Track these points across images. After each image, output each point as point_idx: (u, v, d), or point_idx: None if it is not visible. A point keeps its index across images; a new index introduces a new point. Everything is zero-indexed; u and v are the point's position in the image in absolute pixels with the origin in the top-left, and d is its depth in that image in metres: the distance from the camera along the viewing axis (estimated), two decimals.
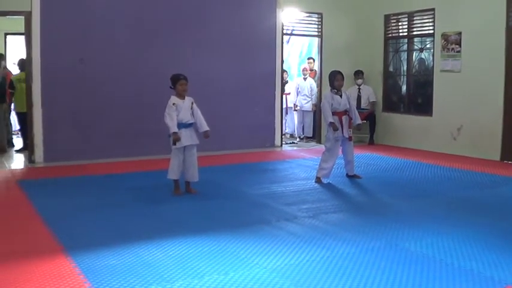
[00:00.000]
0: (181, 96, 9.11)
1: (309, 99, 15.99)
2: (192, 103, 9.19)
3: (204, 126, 9.13)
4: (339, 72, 10.38)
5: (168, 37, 13.05)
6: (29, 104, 11.93)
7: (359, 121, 10.48)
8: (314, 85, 15.99)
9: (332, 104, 10.18)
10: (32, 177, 10.65)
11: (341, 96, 10.27)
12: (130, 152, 12.51)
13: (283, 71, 15.42)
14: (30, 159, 12.03)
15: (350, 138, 10.32)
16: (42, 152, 11.98)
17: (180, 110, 8.98)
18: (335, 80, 10.27)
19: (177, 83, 9.12)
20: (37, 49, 11.76)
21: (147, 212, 8.00)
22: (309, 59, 16.95)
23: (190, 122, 9.08)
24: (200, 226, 7.20)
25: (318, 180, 10.23)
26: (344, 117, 10.24)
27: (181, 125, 8.95)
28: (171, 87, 9.18)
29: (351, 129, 10.34)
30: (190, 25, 13.32)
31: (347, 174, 10.59)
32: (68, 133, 12.09)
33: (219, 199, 8.84)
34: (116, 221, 7.52)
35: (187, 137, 9.01)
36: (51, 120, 11.95)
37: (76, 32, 12.11)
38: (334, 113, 10.20)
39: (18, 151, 13.94)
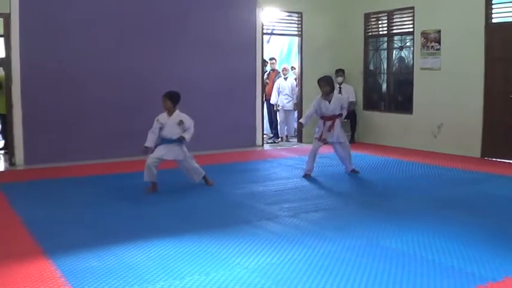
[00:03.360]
0: (170, 112, 9.41)
1: (291, 98, 15.98)
2: (181, 121, 9.38)
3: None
4: (323, 79, 10.68)
5: (148, 37, 13.03)
6: (9, 106, 11.86)
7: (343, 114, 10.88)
8: (294, 84, 15.99)
9: (320, 109, 10.59)
10: (12, 180, 10.58)
11: (330, 101, 10.47)
12: (112, 153, 12.48)
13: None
14: (10, 162, 11.96)
15: (323, 140, 10.60)
16: (22, 154, 11.91)
17: (164, 126, 9.30)
18: (320, 86, 10.61)
19: (178, 102, 9.55)
20: (16, 51, 11.68)
21: (128, 213, 7.98)
22: (271, 59, 16.98)
23: (172, 138, 9.32)
24: (181, 227, 7.19)
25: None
26: (328, 122, 10.47)
27: (164, 140, 9.32)
28: (175, 104, 9.55)
29: (332, 132, 10.54)
30: (170, 25, 13.31)
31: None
32: (48, 135, 12.03)
33: (200, 199, 8.84)
34: (96, 222, 7.50)
35: (167, 152, 9.31)
36: (32, 122, 11.88)
37: (56, 34, 12.04)
38: (321, 117, 10.63)
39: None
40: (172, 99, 9.36)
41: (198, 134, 13.37)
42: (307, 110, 10.84)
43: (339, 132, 10.62)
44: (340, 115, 10.67)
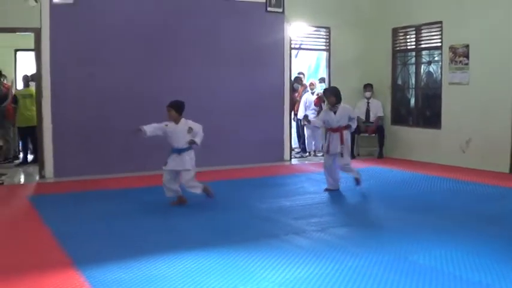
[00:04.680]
0: (176, 121, 9.37)
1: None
2: (190, 128, 9.32)
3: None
4: (328, 89, 10.85)
5: (177, 52, 13.11)
6: (39, 120, 12.02)
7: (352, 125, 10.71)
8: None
9: (327, 120, 10.50)
10: (42, 192, 10.69)
11: (335, 112, 10.37)
12: (140, 166, 12.53)
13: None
14: (40, 175, 12.09)
15: (341, 154, 10.44)
16: (52, 167, 12.04)
17: (172, 134, 9.28)
18: (325, 97, 10.72)
19: (183, 111, 9.48)
20: (47, 65, 11.85)
21: (157, 226, 8.03)
22: (299, 74, 16.99)
23: (182, 147, 9.27)
24: (209, 240, 7.22)
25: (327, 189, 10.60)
26: (336, 134, 10.37)
27: (173, 150, 9.31)
28: (179, 113, 9.46)
29: (343, 145, 10.38)
30: (199, 40, 13.38)
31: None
32: (77, 148, 12.15)
33: (228, 213, 8.84)
34: (125, 235, 7.56)
35: (177, 163, 9.26)
36: (61, 136, 12.01)
37: (85, 48, 12.19)
38: (328, 129, 10.54)
39: (18, 165, 14.07)
40: (177, 108, 9.33)
41: (226, 148, 13.55)
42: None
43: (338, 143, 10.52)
44: (349, 126, 10.58)
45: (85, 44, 12.19)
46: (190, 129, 9.27)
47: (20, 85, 15.25)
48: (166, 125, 9.28)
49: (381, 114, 15.35)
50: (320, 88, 16.39)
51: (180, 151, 9.22)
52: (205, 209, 9.08)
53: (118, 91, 12.50)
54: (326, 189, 10.56)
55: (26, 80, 14.28)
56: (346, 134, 10.48)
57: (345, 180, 10.93)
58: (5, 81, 14.77)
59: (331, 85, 15.16)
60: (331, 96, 10.40)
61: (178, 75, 13.05)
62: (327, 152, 10.55)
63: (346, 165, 10.52)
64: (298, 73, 17.01)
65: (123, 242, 7.19)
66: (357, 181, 10.59)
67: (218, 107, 13.47)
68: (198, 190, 9.36)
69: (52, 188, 11.26)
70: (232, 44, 13.82)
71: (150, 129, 9.26)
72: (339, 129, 10.35)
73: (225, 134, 13.59)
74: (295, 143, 16.46)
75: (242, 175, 12.43)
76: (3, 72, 15.01)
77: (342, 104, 10.48)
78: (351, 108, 10.84)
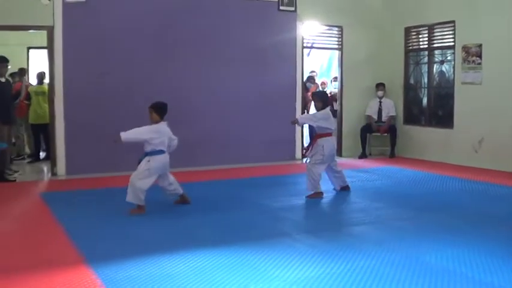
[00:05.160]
0: (156, 123, 9.00)
1: None
2: None
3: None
4: (315, 94, 10.73)
5: (188, 51, 13.12)
6: (51, 117, 12.07)
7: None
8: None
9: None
10: (54, 190, 10.73)
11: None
12: None
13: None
14: (52, 172, 12.13)
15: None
16: (64, 165, 12.08)
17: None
18: (313, 101, 10.59)
19: (165, 114, 9.08)
20: (59, 63, 11.89)
21: (169, 224, 8.04)
22: (311, 72, 16.98)
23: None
24: (220, 238, 7.23)
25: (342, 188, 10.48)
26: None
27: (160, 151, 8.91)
28: (161, 115, 9.07)
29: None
30: (210, 39, 13.39)
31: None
32: (90, 146, 12.17)
33: (239, 212, 8.84)
34: (137, 232, 7.59)
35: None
36: (73, 133, 12.05)
37: (98, 46, 12.22)
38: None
39: (29, 162, 14.16)
40: (159, 110, 9.00)
41: (238, 147, 13.55)
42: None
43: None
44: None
45: (97, 42, 12.22)
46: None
47: (33, 82, 15.28)
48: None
49: (393, 113, 15.31)
50: (334, 87, 16.41)
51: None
52: (216, 208, 9.09)
53: (130, 89, 12.52)
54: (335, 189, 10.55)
55: (40, 77, 14.31)
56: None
57: (357, 180, 10.92)
58: (20, 80, 14.82)
59: (343, 84, 15.19)
60: (317, 101, 10.25)
61: (190, 74, 13.07)
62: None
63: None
64: (311, 72, 17.00)
65: (134, 240, 7.20)
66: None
67: (230, 106, 13.47)
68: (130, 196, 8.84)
69: (64, 185, 11.32)
70: (244, 43, 13.82)
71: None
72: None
73: (236, 133, 13.60)
74: (307, 142, 16.44)
75: (253, 174, 12.44)
76: (24, 71, 15.18)
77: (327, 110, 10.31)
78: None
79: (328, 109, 10.22)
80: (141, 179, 8.67)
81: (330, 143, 10.06)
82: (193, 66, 13.15)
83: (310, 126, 16.11)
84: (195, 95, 12.96)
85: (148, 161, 8.74)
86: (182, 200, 9.26)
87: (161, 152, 8.81)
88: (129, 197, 8.68)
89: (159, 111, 8.95)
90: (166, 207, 9.13)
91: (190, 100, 12.87)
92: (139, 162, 8.84)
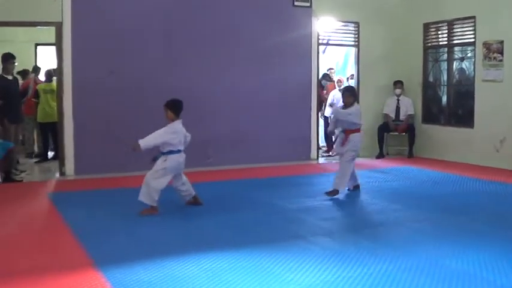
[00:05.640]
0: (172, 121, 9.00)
1: None
2: None
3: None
4: (348, 89, 10.58)
5: (200, 48, 13.10)
6: (60, 116, 12.08)
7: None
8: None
9: (338, 120, 10.40)
10: (63, 190, 10.75)
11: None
12: None
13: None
14: (60, 172, 12.14)
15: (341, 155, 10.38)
16: (73, 164, 12.08)
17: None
18: (344, 95, 10.41)
19: (180, 112, 9.08)
20: (68, 60, 11.90)
21: (180, 226, 8.04)
22: (329, 69, 16.95)
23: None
24: (233, 240, 7.21)
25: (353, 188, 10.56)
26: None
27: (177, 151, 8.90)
28: (176, 114, 9.07)
29: (344, 147, 10.24)
30: (222, 36, 13.36)
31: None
32: (99, 145, 12.17)
33: (253, 213, 8.82)
34: (148, 234, 7.58)
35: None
36: (83, 132, 12.06)
37: (107, 43, 12.22)
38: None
39: (37, 162, 14.17)
40: (174, 108, 9.02)
41: (252, 147, 13.49)
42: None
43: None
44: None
45: (106, 39, 12.21)
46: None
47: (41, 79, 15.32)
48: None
49: (411, 112, 15.24)
50: (351, 84, 16.34)
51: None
52: (229, 209, 9.07)
53: (140, 88, 12.50)
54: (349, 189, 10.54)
55: (49, 74, 14.30)
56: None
57: (375, 180, 10.87)
58: (30, 77, 14.88)
59: (360, 82, 15.15)
60: (349, 97, 10.26)
61: (201, 73, 13.03)
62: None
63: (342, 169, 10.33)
64: (329, 69, 16.96)
65: (144, 242, 7.20)
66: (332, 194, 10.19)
67: (243, 105, 13.45)
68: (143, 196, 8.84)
69: (73, 185, 11.32)
70: (258, 40, 13.77)
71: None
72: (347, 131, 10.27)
73: (250, 132, 13.58)
74: (322, 141, 16.40)
75: (268, 174, 12.40)
76: (33, 68, 15.25)
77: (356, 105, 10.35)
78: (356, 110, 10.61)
79: (358, 105, 10.40)
80: (157, 179, 8.68)
81: (360, 138, 10.31)
82: (205, 65, 13.12)
83: (325, 125, 16.09)
84: (207, 95, 12.93)
85: (165, 160, 8.74)
86: (194, 201, 9.22)
87: (178, 151, 8.81)
88: (142, 197, 8.69)
89: (174, 108, 8.96)
90: (178, 207, 9.11)
91: (202, 100, 12.80)
92: (154, 161, 8.81)
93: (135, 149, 8.68)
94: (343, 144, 10.21)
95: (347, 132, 10.20)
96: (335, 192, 10.01)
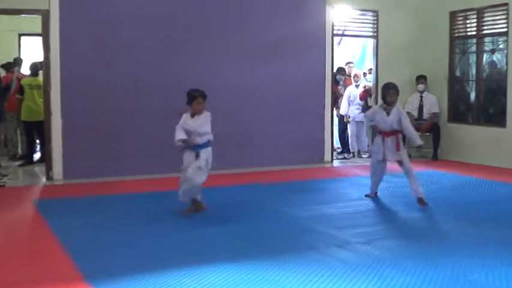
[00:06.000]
0: (196, 114, 9.08)
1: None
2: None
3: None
4: (393, 86, 10.25)
5: (204, 39, 13.08)
6: (47, 114, 12.07)
7: (418, 142, 10.38)
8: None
9: (374, 121, 10.28)
10: (50, 196, 10.76)
11: (388, 113, 10.08)
12: (162, 168, 12.45)
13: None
14: (47, 176, 12.15)
15: (400, 162, 10.20)
16: (61, 168, 12.09)
17: (192, 128, 9.00)
18: (387, 94, 10.18)
19: (194, 101, 9.08)
20: (56, 52, 11.90)
21: (181, 236, 8.03)
22: (348, 64, 16.96)
23: (199, 143, 8.99)
24: (239, 252, 7.20)
25: (370, 195, 10.51)
26: (390, 139, 10.10)
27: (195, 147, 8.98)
28: (187, 105, 9.10)
29: (400, 152, 10.17)
30: (227, 27, 13.37)
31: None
32: (90, 147, 12.17)
33: (261, 221, 8.81)
34: (143, 245, 7.56)
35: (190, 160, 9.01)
36: (72, 132, 12.06)
37: (100, 33, 12.22)
38: (380, 132, 10.24)
39: (21, 165, 14.14)
40: (205, 97, 9.19)
41: (259, 149, 13.48)
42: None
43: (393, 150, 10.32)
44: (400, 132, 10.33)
45: (99, 28, 12.22)
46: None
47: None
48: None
49: (436, 110, 15.22)
50: (368, 80, 16.32)
51: (198, 147, 8.97)
52: (234, 217, 9.07)
53: (137, 81, 12.52)
54: (369, 195, 10.55)
55: (35, 68, 14.21)
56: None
57: (397, 185, 10.87)
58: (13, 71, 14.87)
59: (379, 77, 15.12)
60: (396, 96, 10.17)
61: (204, 66, 13.02)
62: (382, 159, 10.29)
63: (412, 174, 10.23)
64: (347, 63, 16.96)
65: (140, 254, 7.19)
66: (421, 202, 10.12)
67: (251, 103, 13.45)
68: (193, 196, 9.07)
69: (61, 191, 11.32)
70: (267, 31, 13.76)
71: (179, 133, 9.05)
72: (394, 133, 10.19)
73: (258, 132, 13.57)
74: (337, 142, 16.40)
75: (277, 178, 12.41)
76: (15, 60, 15.19)
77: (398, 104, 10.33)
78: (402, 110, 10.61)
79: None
80: (202, 174, 8.88)
81: None
82: (208, 58, 13.13)
83: (340, 123, 16.08)
84: (210, 91, 12.82)
85: (207, 154, 8.95)
86: (197, 207, 9.23)
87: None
88: (185, 197, 8.92)
89: (205, 98, 9.14)
90: (175, 215, 9.09)
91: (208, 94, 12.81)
92: (197, 156, 8.89)
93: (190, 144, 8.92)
94: (398, 148, 10.10)
95: (393, 133, 10.15)
96: (423, 201, 9.94)
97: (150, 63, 12.62)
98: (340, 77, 16.37)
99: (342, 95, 16.13)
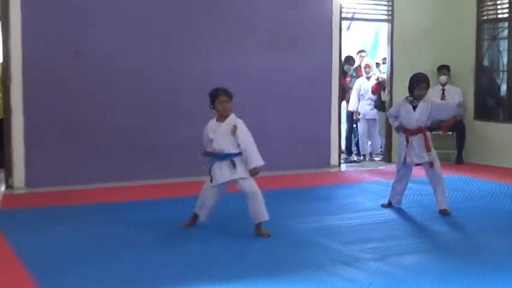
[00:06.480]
0: (222, 117, 8.97)
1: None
2: (235, 127, 8.94)
3: (252, 161, 8.87)
4: (425, 79, 10.15)
5: (190, 25, 13.07)
6: (6, 112, 12.04)
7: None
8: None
9: (399, 116, 10.19)
10: (9, 207, 10.74)
11: (415, 108, 10.04)
12: (139, 174, 12.51)
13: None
14: (6, 184, 12.11)
15: (431, 164, 10.14)
16: (23, 174, 12.05)
17: (214, 136, 8.89)
18: (416, 87, 10.04)
19: (216, 100, 8.96)
20: (17, 38, 11.85)
21: (161, 253, 7.99)
22: (360, 52, 16.93)
23: (227, 152, 8.86)
24: (235, 271, 7.18)
25: (386, 205, 10.45)
26: (416, 138, 10.06)
27: (215, 157, 8.88)
28: (211, 107, 9.02)
29: (430, 152, 10.13)
30: (218, 11, 13.35)
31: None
32: (57, 149, 12.13)
33: (258, 236, 8.77)
34: (119, 265, 7.51)
35: (221, 173, 8.86)
36: (36, 133, 12.02)
37: (69, 18, 12.16)
38: (403, 130, 10.16)
39: None
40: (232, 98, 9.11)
41: (259, 151, 13.43)
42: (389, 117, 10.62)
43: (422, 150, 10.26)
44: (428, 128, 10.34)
45: (69, 11, 12.19)
46: (234, 128, 8.97)
47: None
48: (206, 131, 9.04)
49: (460, 99, 15.18)
50: (382, 71, 16.29)
51: (223, 158, 8.86)
52: (229, 232, 9.04)
53: (113, 75, 12.49)
54: (385, 205, 10.52)
55: None
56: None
57: (412, 192, 10.88)
58: None
59: (394, 68, 15.11)
60: (426, 89, 10.15)
61: (188, 56, 13.00)
62: (404, 162, 10.26)
63: (440, 182, 10.26)
64: (359, 52, 16.94)
65: (116, 274, 7.14)
66: (444, 213, 10.14)
67: (246, 97, 13.37)
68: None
69: (22, 201, 11.30)
70: (264, 16, 13.77)
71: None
72: (421, 131, 10.15)
73: (254, 132, 13.49)
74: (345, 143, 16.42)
75: (276, 185, 12.36)
76: None
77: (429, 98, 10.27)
78: (436, 102, 10.52)
79: None
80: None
81: None
82: (195, 46, 13.12)
83: (349, 120, 16.08)
84: (198, 84, 12.88)
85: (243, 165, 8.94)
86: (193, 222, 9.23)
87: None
88: (265, 213, 8.82)
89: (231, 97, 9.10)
90: (160, 229, 9.08)
91: (192, 90, 12.78)
92: (234, 165, 8.84)
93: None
94: (428, 148, 10.05)
95: (419, 131, 10.10)
96: (446, 210, 10.01)
97: (128, 51, 12.59)
98: (349, 67, 16.34)
99: (350, 88, 16.11)
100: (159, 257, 7.84)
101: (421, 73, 10.22)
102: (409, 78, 10.29)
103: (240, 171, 8.78)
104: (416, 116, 10.00)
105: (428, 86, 10.18)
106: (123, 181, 12.34)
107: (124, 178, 12.40)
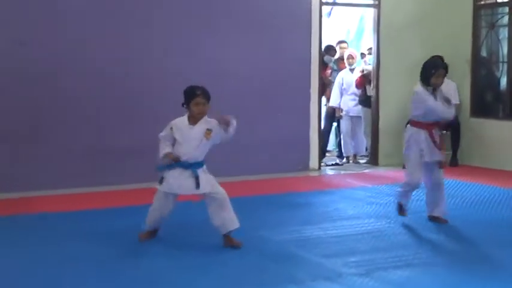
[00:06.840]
0: (194, 119, 8.96)
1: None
2: (209, 131, 8.96)
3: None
4: (445, 65, 9.90)
5: (154, 9, 13.07)
6: None
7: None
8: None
9: (422, 107, 9.95)
10: None
11: (436, 98, 9.85)
12: (95, 178, 12.49)
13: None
14: None
15: (441, 164, 10.14)
16: None
17: (182, 140, 8.85)
18: (435, 74, 9.80)
19: (192, 101, 8.96)
20: None
21: (114, 270, 7.94)
22: (340, 43, 16.94)
23: (193, 161, 8.84)
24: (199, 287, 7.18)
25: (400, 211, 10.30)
26: (434, 131, 10.01)
27: (178, 164, 8.80)
28: (183, 105, 9.00)
29: (443, 150, 10.11)
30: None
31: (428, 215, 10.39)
32: (4, 151, 12.06)
33: (230, 250, 8.74)
34: (69, 284, 7.47)
35: (183, 184, 8.82)
36: None
37: (13, 2, 12.14)
38: (421, 123, 10.03)
39: None
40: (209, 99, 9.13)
41: (225, 154, 13.45)
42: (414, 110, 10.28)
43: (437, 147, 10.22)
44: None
45: None
46: (209, 132, 8.98)
47: None
48: (172, 129, 8.94)
49: (455, 101, 15.26)
50: (366, 63, 16.31)
51: (188, 166, 8.82)
52: (197, 245, 9.01)
53: (65, 65, 12.45)
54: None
55: None
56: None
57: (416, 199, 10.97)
58: None
59: (381, 59, 15.14)
60: (443, 77, 9.96)
61: (154, 44, 13.05)
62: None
63: (442, 185, 10.28)
64: (339, 42, 16.96)
65: None
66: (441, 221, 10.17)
67: (216, 92, 13.39)
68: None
69: None
70: (236, 2, 13.79)
71: (165, 146, 8.94)
72: (436, 124, 10.10)
73: None
74: (333, 144, 16.47)
75: (250, 191, 12.42)
76: None
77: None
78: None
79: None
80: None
81: None
82: (161, 33, 13.15)
83: (328, 118, 16.11)
84: (155, 76, 12.86)
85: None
86: (151, 234, 9.21)
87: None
88: (235, 220, 8.82)
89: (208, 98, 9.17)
90: (114, 242, 9.07)
91: (153, 86, 12.86)
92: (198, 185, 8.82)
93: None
94: (440, 145, 10.07)
95: (431, 126, 10.05)
96: (442, 218, 10.05)
97: (84, 42, 12.54)
98: (329, 58, 16.33)
99: (331, 82, 16.13)
100: (117, 274, 7.80)
101: (437, 57, 9.99)
102: (423, 64, 10.02)
103: (206, 186, 8.77)
104: (441, 108, 9.85)
105: (445, 73, 9.96)
106: (75, 187, 12.24)
107: (74, 184, 12.29)
